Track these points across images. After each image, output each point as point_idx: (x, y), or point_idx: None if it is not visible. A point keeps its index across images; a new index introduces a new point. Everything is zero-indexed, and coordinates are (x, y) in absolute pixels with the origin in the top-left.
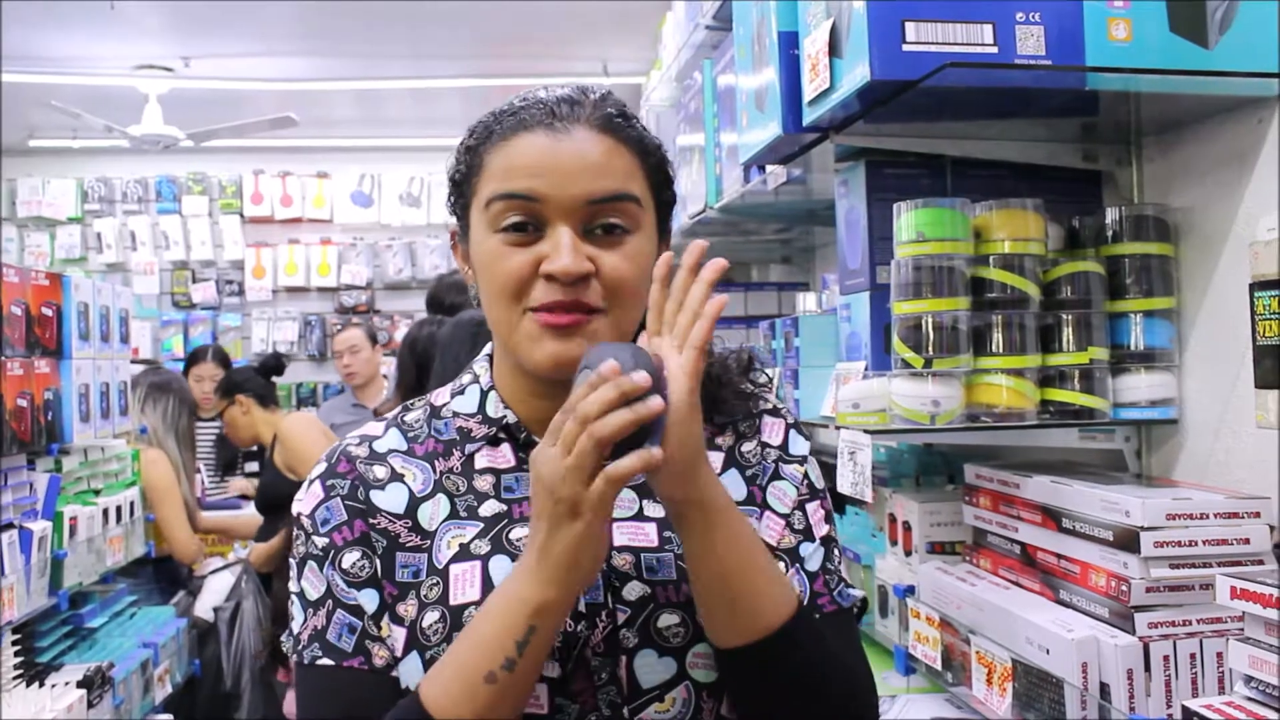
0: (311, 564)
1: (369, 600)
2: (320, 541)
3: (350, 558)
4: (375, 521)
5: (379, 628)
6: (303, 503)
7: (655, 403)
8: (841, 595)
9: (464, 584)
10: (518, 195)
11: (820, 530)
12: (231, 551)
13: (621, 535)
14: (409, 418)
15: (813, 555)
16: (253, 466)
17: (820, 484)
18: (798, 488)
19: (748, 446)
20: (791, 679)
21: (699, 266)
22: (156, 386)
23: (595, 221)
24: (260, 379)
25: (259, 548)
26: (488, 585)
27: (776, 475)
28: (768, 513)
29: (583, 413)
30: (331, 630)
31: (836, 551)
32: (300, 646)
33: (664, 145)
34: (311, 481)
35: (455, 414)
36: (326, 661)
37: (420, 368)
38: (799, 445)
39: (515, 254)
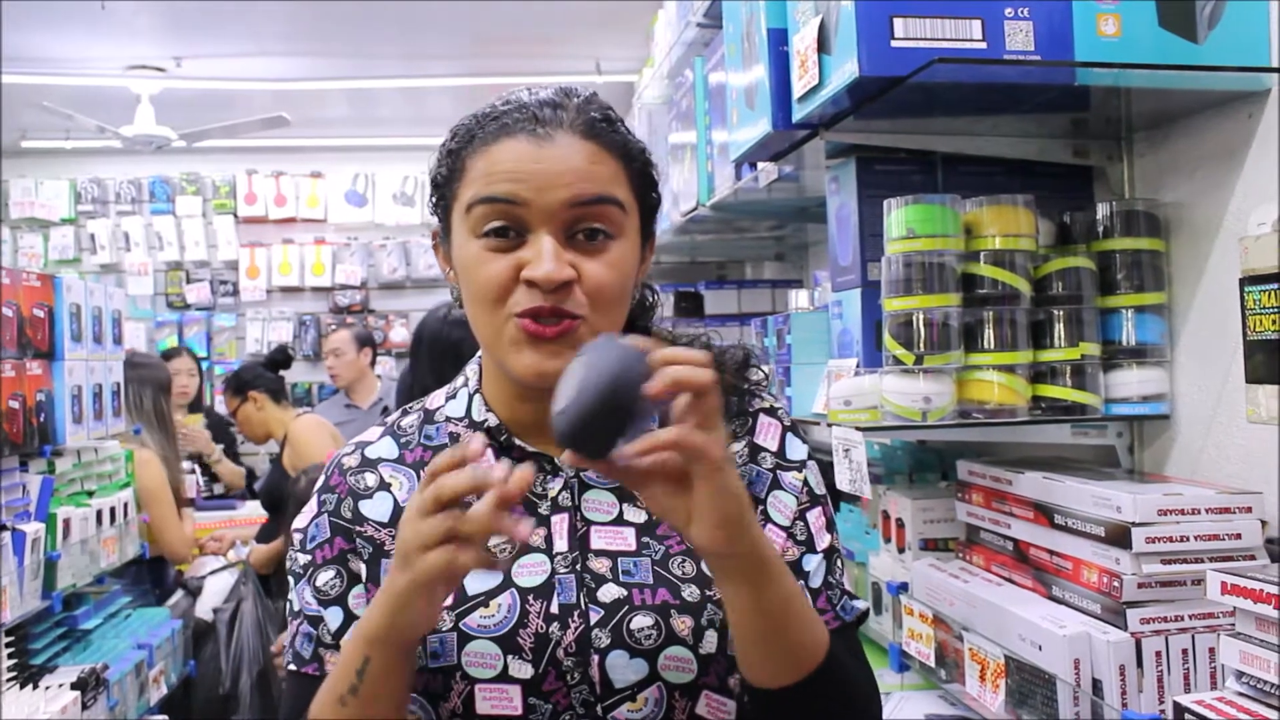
0: (293, 579)
1: (333, 617)
2: (303, 559)
3: (324, 576)
4: (363, 529)
5: (338, 643)
6: (302, 517)
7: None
8: (845, 609)
9: None
10: (499, 199)
11: (822, 541)
12: (232, 551)
13: (600, 539)
14: (404, 423)
15: (816, 570)
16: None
17: (820, 489)
18: (797, 496)
19: (736, 446)
20: (821, 709)
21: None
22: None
23: (577, 226)
24: (270, 375)
25: (260, 549)
26: (460, 589)
27: (776, 484)
28: (769, 525)
29: (440, 489)
30: (298, 639)
31: (839, 563)
32: (285, 651)
33: (648, 149)
34: (314, 494)
35: (448, 418)
36: (293, 667)
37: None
38: (797, 449)
39: (496, 260)
